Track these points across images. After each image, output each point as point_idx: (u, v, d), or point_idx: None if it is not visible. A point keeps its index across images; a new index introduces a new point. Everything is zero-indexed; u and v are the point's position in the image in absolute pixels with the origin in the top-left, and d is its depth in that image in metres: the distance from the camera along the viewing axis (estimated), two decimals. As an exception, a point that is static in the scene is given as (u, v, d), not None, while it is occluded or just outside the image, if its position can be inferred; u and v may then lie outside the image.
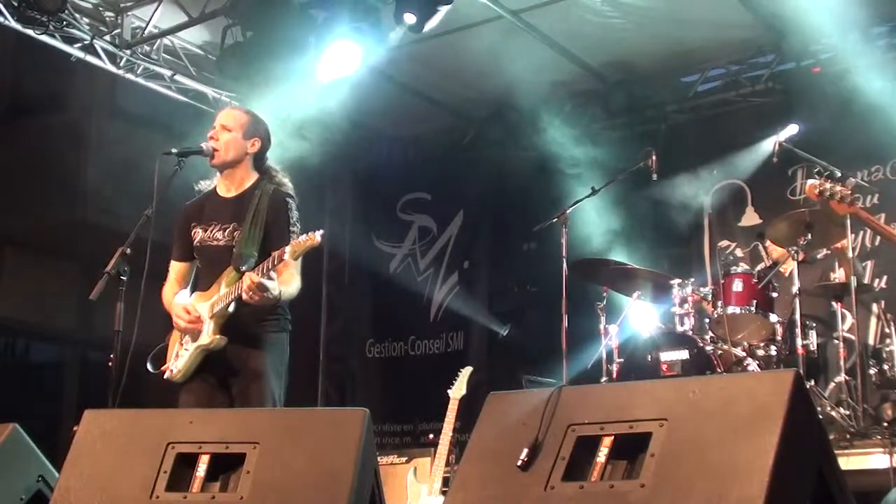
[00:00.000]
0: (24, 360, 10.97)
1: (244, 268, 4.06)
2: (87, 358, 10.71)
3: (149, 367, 4.33)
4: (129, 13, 7.81)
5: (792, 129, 6.85)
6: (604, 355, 6.47)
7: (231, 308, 4.13)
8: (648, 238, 8.13)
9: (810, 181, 4.83)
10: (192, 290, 4.41)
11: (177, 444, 3.26)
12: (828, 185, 4.74)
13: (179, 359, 4.24)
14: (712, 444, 2.64)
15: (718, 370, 5.75)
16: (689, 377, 5.29)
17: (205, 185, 4.51)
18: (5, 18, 7.31)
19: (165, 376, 4.29)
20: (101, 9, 7.76)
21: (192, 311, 4.21)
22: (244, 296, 3.97)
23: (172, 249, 4.49)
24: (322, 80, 7.29)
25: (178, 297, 4.34)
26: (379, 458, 3.36)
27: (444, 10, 6.66)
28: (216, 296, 4.18)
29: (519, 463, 2.86)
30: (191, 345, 4.21)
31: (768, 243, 6.75)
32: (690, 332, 6.07)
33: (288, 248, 3.91)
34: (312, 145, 8.04)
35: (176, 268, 4.46)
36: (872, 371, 5.91)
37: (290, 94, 7.40)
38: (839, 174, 6.46)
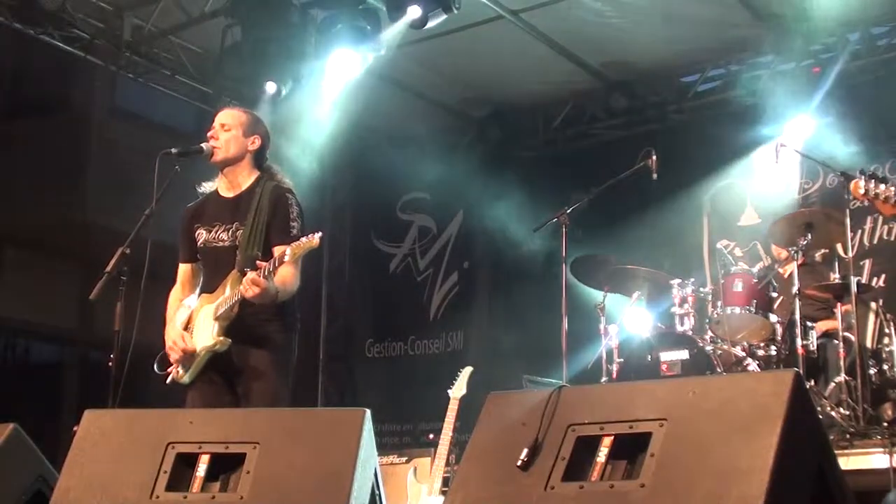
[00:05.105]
0: (24, 360, 10.96)
1: (248, 270, 4.07)
2: (87, 358, 10.70)
3: (156, 368, 4.33)
4: (129, 13, 7.81)
5: (797, 128, 6.84)
6: (604, 355, 6.47)
7: (235, 310, 4.14)
8: (648, 238, 8.12)
9: (855, 180, 4.79)
10: (200, 293, 4.41)
11: (177, 444, 3.27)
12: (872, 185, 4.71)
13: None
14: (712, 444, 2.64)
15: (718, 370, 5.75)
16: (689, 377, 5.29)
17: (207, 187, 4.51)
18: (5, 18, 7.31)
19: (171, 377, 4.29)
20: (101, 8, 7.76)
21: (187, 343, 4.19)
22: (244, 293, 3.99)
23: (179, 252, 4.49)
24: (330, 98, 7.37)
25: (180, 313, 4.33)
26: (379, 458, 3.35)
27: (445, 15, 6.66)
28: (221, 297, 4.18)
29: (519, 463, 2.86)
30: (196, 347, 4.21)
31: (773, 246, 6.74)
32: (690, 332, 6.07)
33: (288, 251, 3.93)
34: (312, 146, 8.04)
35: (183, 270, 4.48)
36: (872, 371, 5.91)
37: (290, 93, 7.40)
38: (869, 172, 6.46)
